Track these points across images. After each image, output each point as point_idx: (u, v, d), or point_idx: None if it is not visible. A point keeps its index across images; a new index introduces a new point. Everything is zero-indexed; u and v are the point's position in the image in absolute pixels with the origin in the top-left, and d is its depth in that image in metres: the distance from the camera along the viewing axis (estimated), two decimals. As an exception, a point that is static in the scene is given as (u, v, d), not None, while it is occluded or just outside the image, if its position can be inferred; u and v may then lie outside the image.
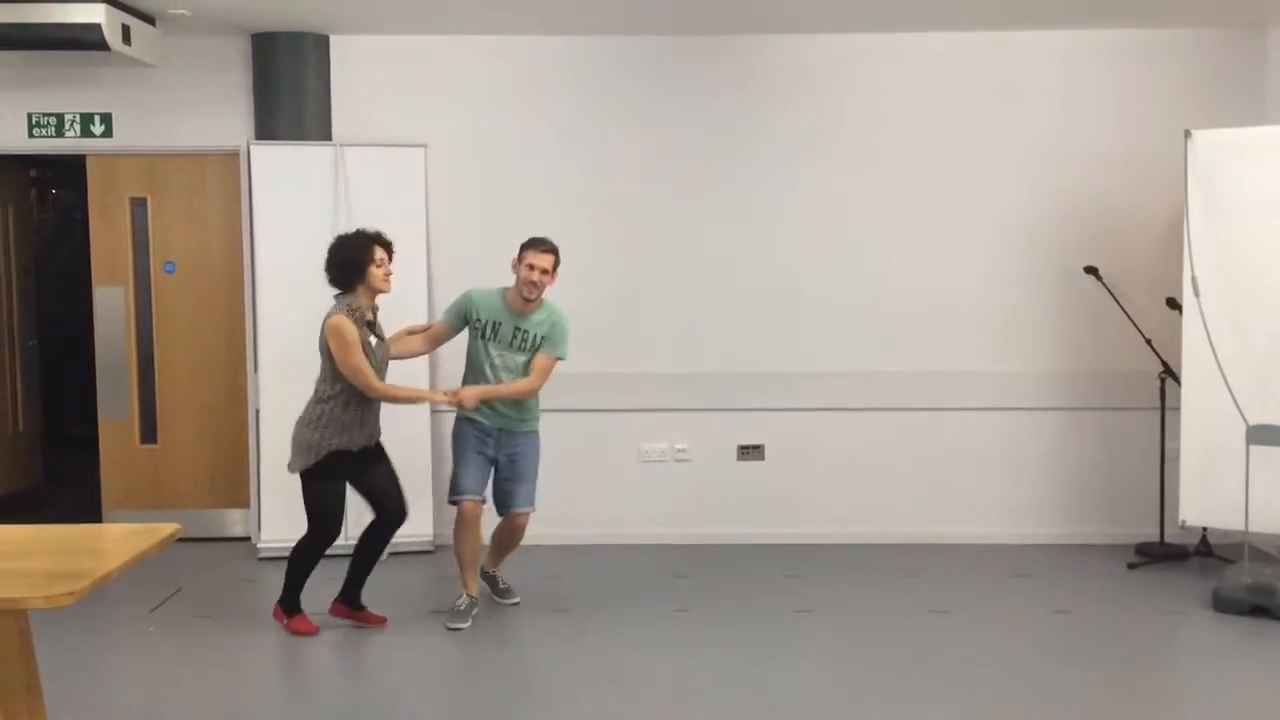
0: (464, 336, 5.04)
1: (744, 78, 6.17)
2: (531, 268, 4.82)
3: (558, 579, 5.63)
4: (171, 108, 6.12)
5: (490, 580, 5.25)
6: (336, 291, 4.72)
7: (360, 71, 6.13)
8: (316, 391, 4.72)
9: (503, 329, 4.90)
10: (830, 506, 6.24)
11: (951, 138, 6.15)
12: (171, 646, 4.71)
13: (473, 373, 4.98)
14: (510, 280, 4.95)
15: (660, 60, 6.16)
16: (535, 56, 6.17)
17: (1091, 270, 5.95)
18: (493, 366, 4.92)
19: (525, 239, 4.93)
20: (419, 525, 6.07)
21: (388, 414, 6.23)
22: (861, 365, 6.18)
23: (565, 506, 6.22)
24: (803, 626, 4.87)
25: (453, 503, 4.99)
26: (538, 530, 6.17)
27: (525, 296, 4.85)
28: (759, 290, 6.21)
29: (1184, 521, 5.47)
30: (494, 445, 4.98)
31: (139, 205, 6.33)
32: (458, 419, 5.04)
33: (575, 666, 4.46)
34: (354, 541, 4.99)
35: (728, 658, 4.54)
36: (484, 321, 4.92)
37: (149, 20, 5.73)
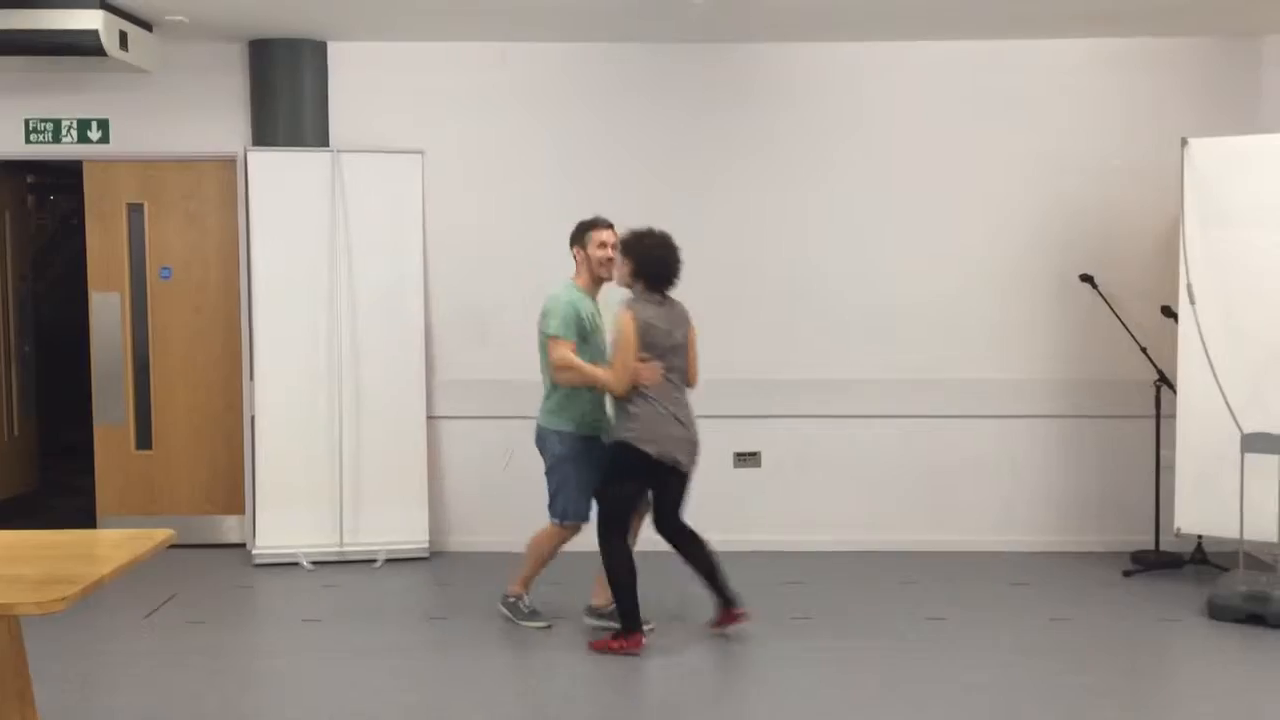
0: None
1: (744, 85, 6.18)
2: (604, 245, 4.72)
3: (558, 585, 5.62)
4: (168, 114, 6.12)
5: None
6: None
7: (357, 78, 6.14)
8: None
9: (597, 318, 4.78)
10: (827, 514, 6.23)
11: (949, 146, 6.16)
12: (165, 653, 4.70)
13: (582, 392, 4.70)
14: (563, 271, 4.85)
15: (660, 68, 6.17)
16: (533, 63, 6.18)
17: (1087, 279, 5.96)
18: (603, 358, 4.68)
19: (581, 224, 4.81)
20: (414, 532, 6.09)
21: (384, 416, 6.25)
22: (860, 373, 6.19)
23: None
24: (800, 633, 4.86)
25: (567, 525, 4.77)
26: (593, 539, 6.20)
27: (604, 276, 4.74)
28: (758, 297, 6.21)
29: (1179, 529, 5.47)
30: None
31: (136, 211, 6.33)
32: (568, 436, 4.70)
33: (567, 669, 4.45)
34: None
35: (725, 664, 4.53)
36: (588, 317, 4.71)
37: (146, 26, 5.73)
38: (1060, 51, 6.11)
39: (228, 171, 6.22)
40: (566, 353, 4.60)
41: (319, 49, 6.09)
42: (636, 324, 4.49)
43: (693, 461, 4.66)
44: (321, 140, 6.09)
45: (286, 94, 6.05)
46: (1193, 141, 5.34)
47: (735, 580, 4.87)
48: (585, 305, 4.71)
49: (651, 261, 4.58)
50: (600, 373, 4.59)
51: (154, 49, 5.85)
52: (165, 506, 6.34)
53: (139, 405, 6.38)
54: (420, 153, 6.08)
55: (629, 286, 4.65)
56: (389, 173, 6.05)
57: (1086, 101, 6.13)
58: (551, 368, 4.68)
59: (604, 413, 4.73)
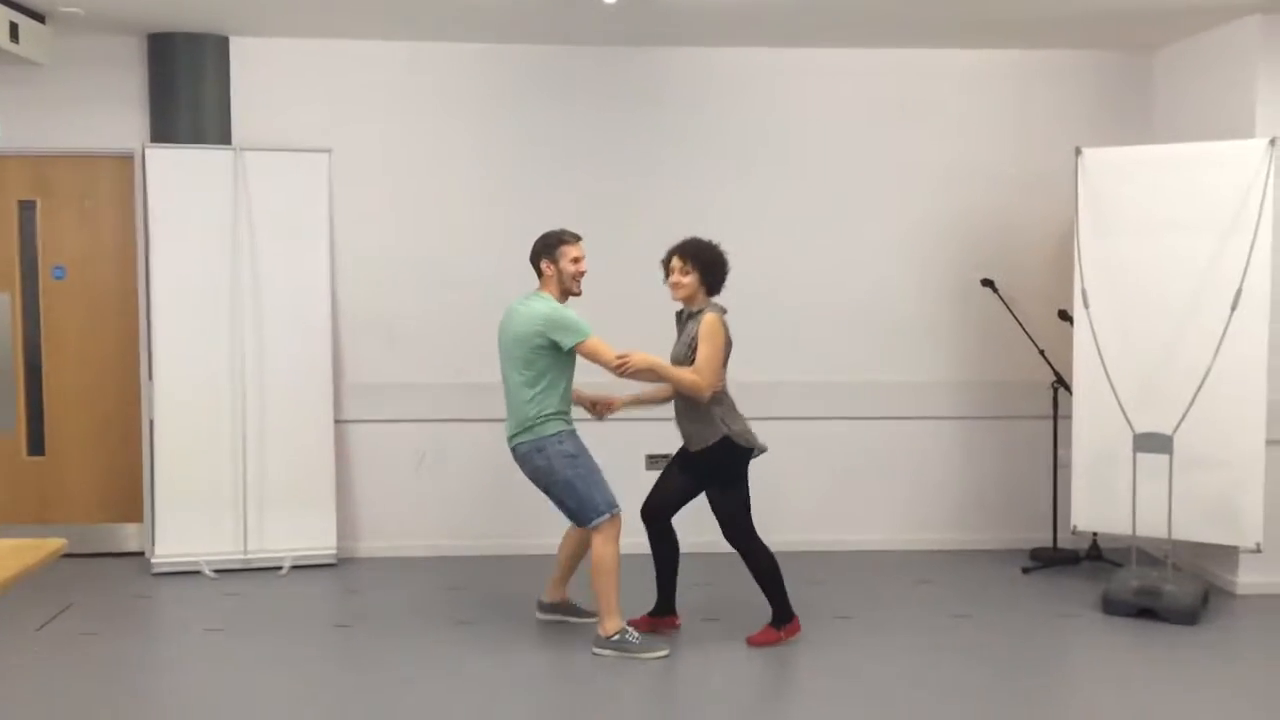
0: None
1: (656, 88, 6.21)
2: (578, 260, 4.69)
3: (459, 590, 5.59)
4: (62, 108, 5.92)
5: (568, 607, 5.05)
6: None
7: (262, 74, 6.01)
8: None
9: None
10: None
11: (854, 151, 6.27)
12: (59, 666, 4.54)
13: (568, 387, 4.69)
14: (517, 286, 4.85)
15: (570, 70, 6.17)
16: (443, 63, 6.12)
17: (988, 283, 6.12)
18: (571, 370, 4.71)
19: (548, 238, 4.73)
20: (321, 538, 5.98)
21: (290, 420, 6.13)
22: (764, 375, 6.25)
23: (524, 516, 6.19)
24: (709, 633, 4.89)
25: (615, 513, 4.66)
26: (507, 541, 6.16)
27: (574, 291, 4.71)
28: (662, 303, 6.22)
29: (1075, 527, 5.65)
30: None
31: (27, 208, 6.11)
32: (567, 434, 4.64)
33: (478, 676, 4.42)
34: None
35: (637, 667, 4.54)
36: None
37: (38, 18, 5.54)
38: (961, 61, 6.26)
39: (125, 168, 6.04)
40: (637, 352, 4.54)
41: (221, 44, 5.95)
42: (726, 329, 4.62)
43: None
44: (224, 138, 5.95)
45: (187, 90, 5.89)
46: (1086, 151, 5.52)
47: (648, 583, 4.89)
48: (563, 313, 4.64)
49: (719, 268, 4.69)
50: (686, 373, 4.56)
51: (47, 41, 5.66)
52: (59, 515, 6.13)
53: (31, 409, 6.16)
54: (327, 151, 5.98)
55: (689, 298, 4.71)
56: (294, 172, 5.93)
57: (986, 110, 6.29)
58: (611, 364, 4.52)
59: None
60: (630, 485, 6.10)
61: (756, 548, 4.71)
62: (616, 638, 4.59)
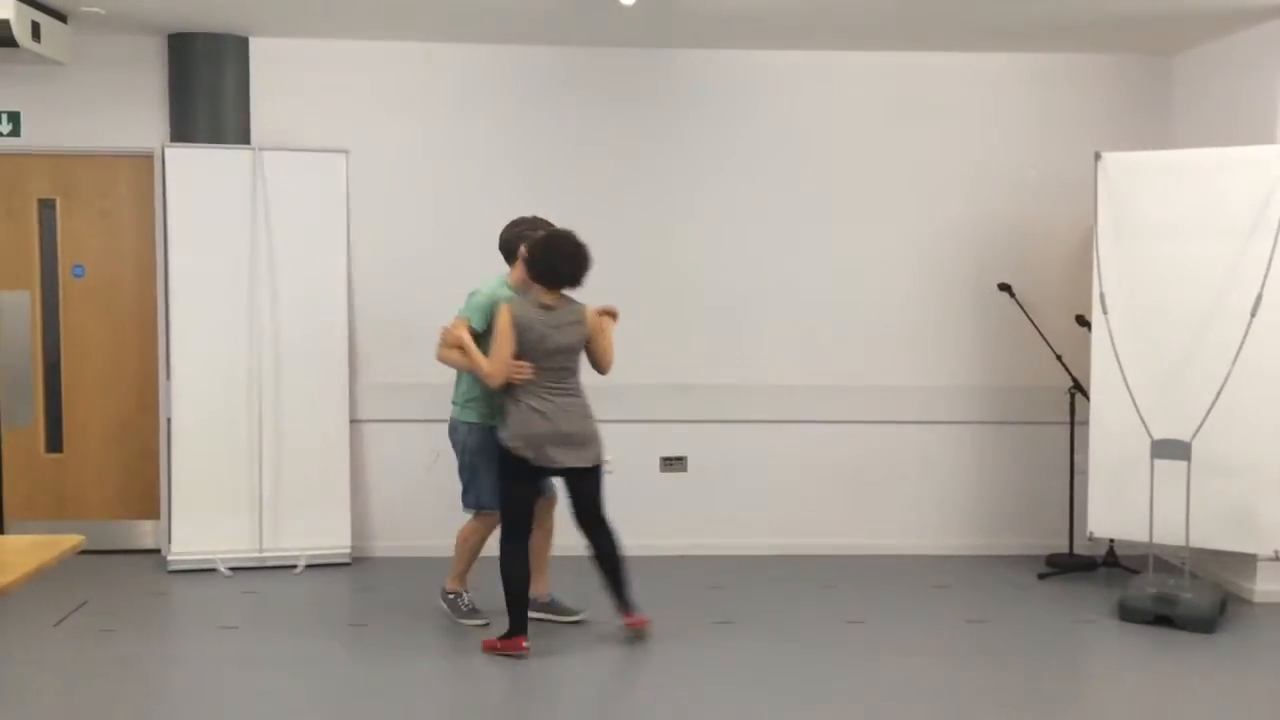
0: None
1: (670, 90, 6.21)
2: None
3: (476, 591, 5.59)
4: (83, 107, 5.96)
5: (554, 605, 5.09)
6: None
7: (281, 75, 6.03)
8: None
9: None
10: (751, 518, 6.28)
11: (871, 156, 6.25)
12: (75, 662, 4.57)
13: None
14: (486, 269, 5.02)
15: (585, 71, 6.17)
16: (461, 64, 6.13)
17: (1005, 287, 6.09)
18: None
19: (519, 224, 4.94)
20: (336, 537, 6.00)
21: (306, 419, 6.16)
22: (782, 378, 6.25)
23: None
24: (722, 637, 4.88)
25: (482, 515, 4.94)
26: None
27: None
28: (680, 303, 6.24)
29: (1092, 533, 5.61)
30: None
31: (47, 207, 6.15)
32: (486, 429, 4.80)
33: (489, 676, 4.42)
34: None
35: (649, 669, 4.53)
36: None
37: (60, 17, 5.57)
38: (980, 65, 6.24)
39: (144, 168, 6.07)
40: (462, 332, 4.71)
41: (241, 44, 5.97)
42: (512, 320, 4.55)
43: (577, 458, 4.62)
44: (243, 138, 5.98)
45: (207, 90, 5.92)
46: (1106, 155, 5.49)
47: (659, 584, 4.89)
48: (504, 300, 4.72)
49: (539, 261, 4.62)
50: (483, 360, 4.65)
51: (68, 41, 5.69)
52: (76, 511, 6.16)
53: (49, 407, 6.19)
54: (345, 152, 6.00)
55: (525, 287, 4.73)
56: (312, 172, 5.96)
57: (1005, 115, 6.27)
58: (441, 344, 4.78)
59: None
60: (644, 488, 6.14)
61: (509, 554, 4.65)
62: (451, 596, 5.05)
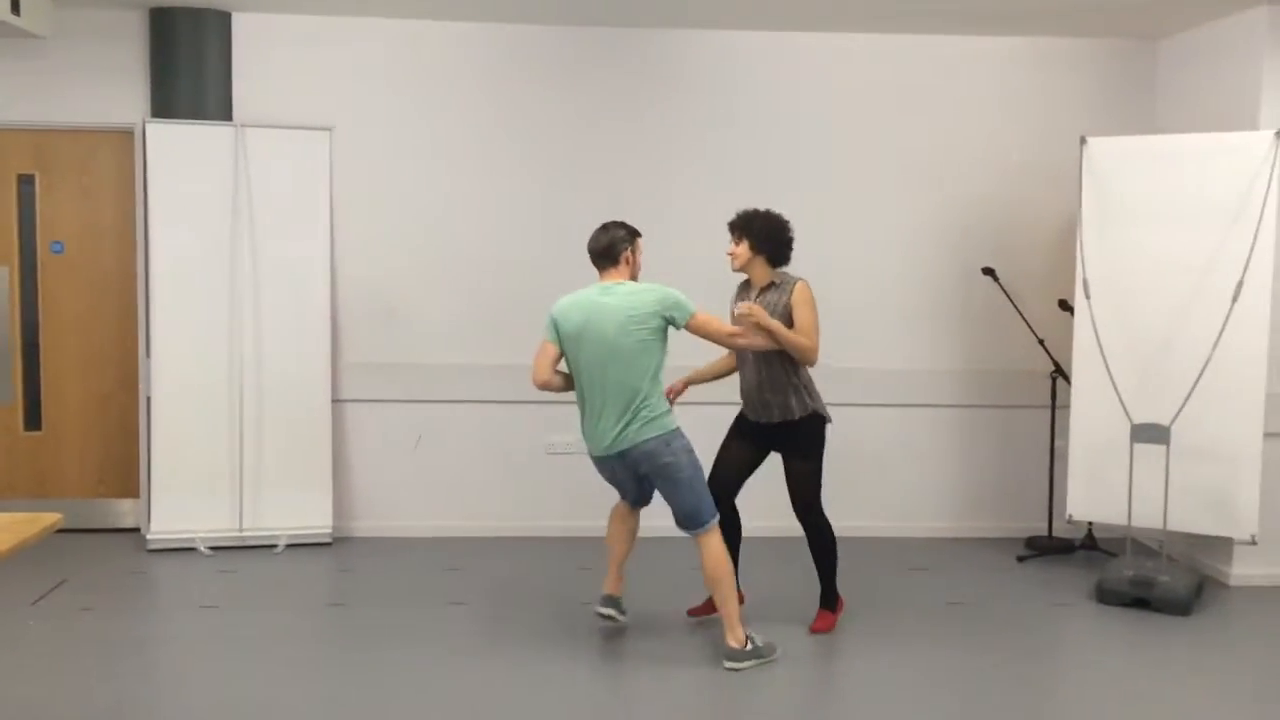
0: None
1: (656, 72, 6.18)
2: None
3: (455, 571, 5.59)
4: (63, 82, 5.89)
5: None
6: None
7: (264, 51, 5.98)
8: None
9: None
10: (738, 500, 6.28)
11: (855, 138, 6.24)
12: (54, 641, 4.55)
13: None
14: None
15: (573, 51, 6.13)
16: (447, 41, 6.09)
17: (989, 272, 6.10)
18: None
19: (628, 228, 4.53)
20: (317, 517, 5.99)
21: (287, 398, 6.13)
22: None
23: (470, 499, 6.20)
24: (696, 620, 4.89)
25: (715, 519, 4.45)
26: (503, 522, 6.18)
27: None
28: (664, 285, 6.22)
29: (1071, 516, 5.65)
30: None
31: (26, 182, 6.08)
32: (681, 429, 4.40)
33: (469, 658, 4.43)
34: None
35: (641, 657, 4.55)
36: None
37: (39, -10, 5.51)
38: (965, 49, 6.23)
39: (125, 143, 6.02)
40: (759, 309, 4.44)
41: (223, 19, 5.91)
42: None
43: None
44: (225, 114, 5.92)
45: (188, 65, 5.86)
46: (1091, 140, 5.50)
47: (648, 569, 4.88)
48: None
49: (771, 238, 4.66)
50: (801, 338, 4.48)
51: (48, 14, 5.62)
52: (55, 489, 6.13)
53: (28, 384, 6.15)
54: (328, 129, 5.96)
55: (745, 269, 4.69)
56: (295, 149, 5.91)
57: (990, 98, 6.27)
58: (726, 335, 4.41)
59: None
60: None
61: (824, 523, 4.73)
62: (747, 650, 4.34)
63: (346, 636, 4.68)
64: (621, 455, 4.33)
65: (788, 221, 4.71)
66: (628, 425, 4.28)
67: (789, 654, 4.47)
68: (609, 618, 4.61)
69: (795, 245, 5.20)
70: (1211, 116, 5.64)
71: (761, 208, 4.72)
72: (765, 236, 4.65)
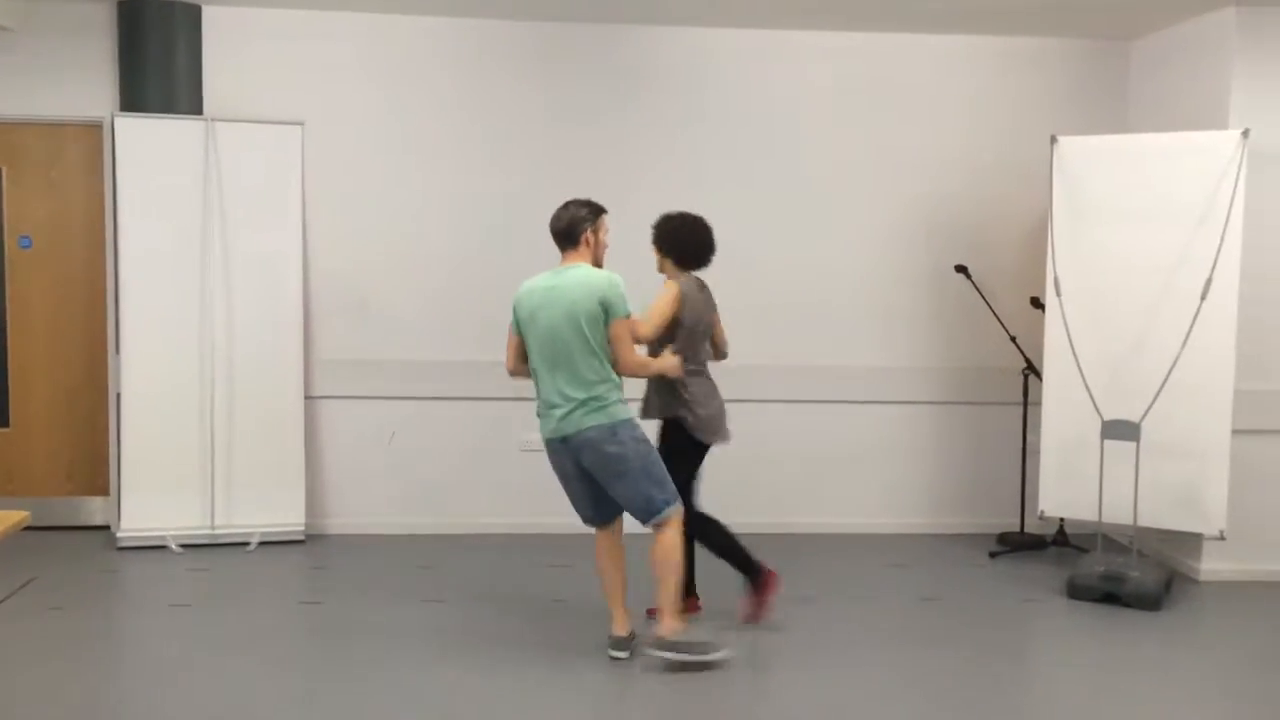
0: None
1: (630, 68, 6.17)
2: (607, 232, 4.46)
3: (429, 569, 5.57)
4: (31, 74, 5.82)
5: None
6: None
7: (234, 44, 5.93)
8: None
9: None
10: (710, 497, 6.27)
11: (827, 136, 6.26)
12: (22, 641, 4.49)
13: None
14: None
15: (547, 47, 6.11)
16: (420, 36, 6.06)
17: (962, 269, 6.13)
18: None
19: (590, 206, 4.41)
20: (290, 514, 5.95)
21: (259, 394, 6.08)
22: (740, 358, 6.23)
23: (444, 496, 6.17)
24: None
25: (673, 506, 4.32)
26: (476, 519, 6.14)
27: (600, 267, 4.39)
28: (635, 284, 6.20)
29: (1043, 512, 5.69)
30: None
31: (-8, 176, 6.02)
32: (634, 419, 4.30)
33: (440, 652, 4.42)
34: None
35: (599, 652, 4.55)
36: None
37: (6, -19, 5.44)
38: (938, 48, 6.26)
39: (94, 137, 5.95)
40: (657, 361, 4.46)
41: (193, 12, 5.86)
42: (683, 302, 4.61)
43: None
44: (195, 108, 5.87)
45: (158, 58, 5.80)
46: (1062, 139, 5.54)
47: (630, 566, 4.86)
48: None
49: (675, 241, 4.69)
50: (640, 357, 4.44)
51: (16, 6, 5.56)
52: (23, 487, 6.06)
53: (-5, 380, 6.08)
54: (300, 124, 5.92)
55: (661, 269, 4.74)
56: (267, 143, 5.86)
57: (962, 97, 6.30)
58: (626, 350, 4.24)
59: None
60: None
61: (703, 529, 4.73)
62: (672, 641, 4.27)
63: (320, 634, 4.65)
64: (565, 440, 4.24)
65: (699, 224, 4.68)
66: (572, 411, 4.20)
67: (761, 651, 4.47)
68: (620, 659, 4.37)
69: (766, 243, 5.29)
70: (1182, 117, 5.69)
71: (676, 211, 4.73)
72: (668, 240, 4.68)
